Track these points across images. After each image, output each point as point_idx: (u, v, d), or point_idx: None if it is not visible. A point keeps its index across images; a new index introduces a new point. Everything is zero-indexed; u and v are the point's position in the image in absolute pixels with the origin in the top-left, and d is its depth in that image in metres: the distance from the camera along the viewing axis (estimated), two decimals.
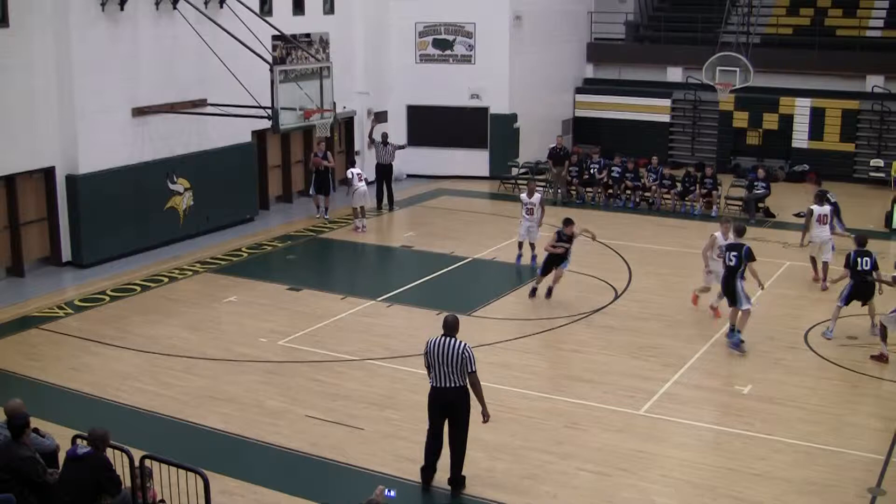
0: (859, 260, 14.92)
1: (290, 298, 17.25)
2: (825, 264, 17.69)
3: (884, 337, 14.14)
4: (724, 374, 13.75)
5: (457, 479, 10.47)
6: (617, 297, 17.25)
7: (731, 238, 15.14)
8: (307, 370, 13.95)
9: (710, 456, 11.43)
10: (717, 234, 15.74)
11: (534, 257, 18.90)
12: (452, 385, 10.14)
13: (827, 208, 18.00)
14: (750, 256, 14.54)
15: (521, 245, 19.14)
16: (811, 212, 17.96)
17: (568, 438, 11.79)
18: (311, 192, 23.47)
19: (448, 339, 10.18)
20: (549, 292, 16.98)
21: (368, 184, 22.65)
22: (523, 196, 19.28)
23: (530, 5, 27.83)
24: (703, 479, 10.82)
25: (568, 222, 16.78)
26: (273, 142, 23.96)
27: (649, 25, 32.66)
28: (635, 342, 15.02)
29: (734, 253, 14.53)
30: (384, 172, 24.05)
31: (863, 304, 15.16)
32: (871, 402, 13.00)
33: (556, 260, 16.81)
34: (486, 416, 10.40)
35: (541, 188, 21.28)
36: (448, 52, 27.34)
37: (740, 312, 14.62)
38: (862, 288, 14.96)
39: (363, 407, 12.66)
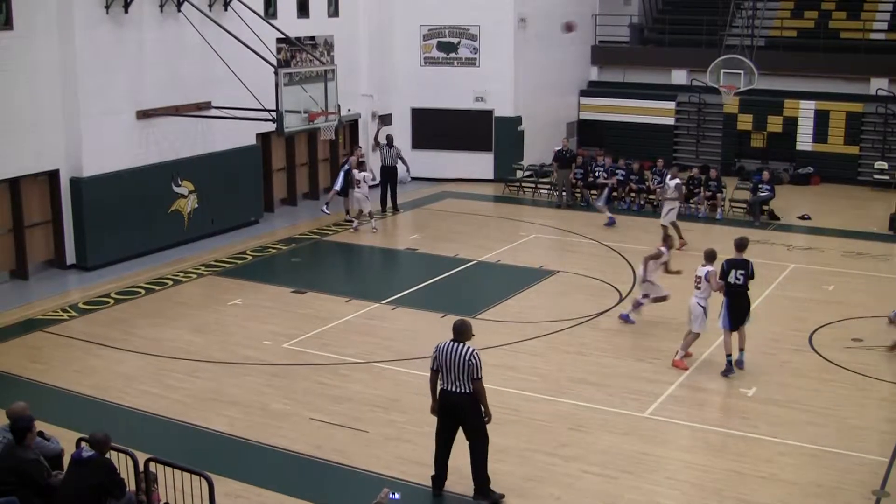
0: None
1: (294, 301, 17.25)
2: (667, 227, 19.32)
3: None
4: (729, 377, 13.70)
5: (479, 489, 10.27)
6: (621, 299, 17.21)
7: (733, 254, 13.73)
8: (311, 373, 13.94)
9: (715, 458, 11.39)
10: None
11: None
12: (459, 390, 10.08)
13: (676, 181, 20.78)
14: (753, 274, 13.68)
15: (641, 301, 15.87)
16: (668, 186, 20.60)
17: (572, 441, 11.77)
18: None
19: (457, 344, 10.12)
20: None
21: (373, 186, 22.69)
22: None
23: (535, 8, 27.80)
24: (708, 481, 10.80)
25: None
26: (278, 144, 23.98)
27: (654, 28, 32.64)
28: (640, 345, 15.00)
29: (741, 271, 13.52)
30: (389, 174, 24.05)
31: None
32: (876, 405, 12.95)
33: None
34: (488, 417, 10.31)
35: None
36: (452, 54, 27.32)
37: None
38: None
39: (367, 409, 12.65)
